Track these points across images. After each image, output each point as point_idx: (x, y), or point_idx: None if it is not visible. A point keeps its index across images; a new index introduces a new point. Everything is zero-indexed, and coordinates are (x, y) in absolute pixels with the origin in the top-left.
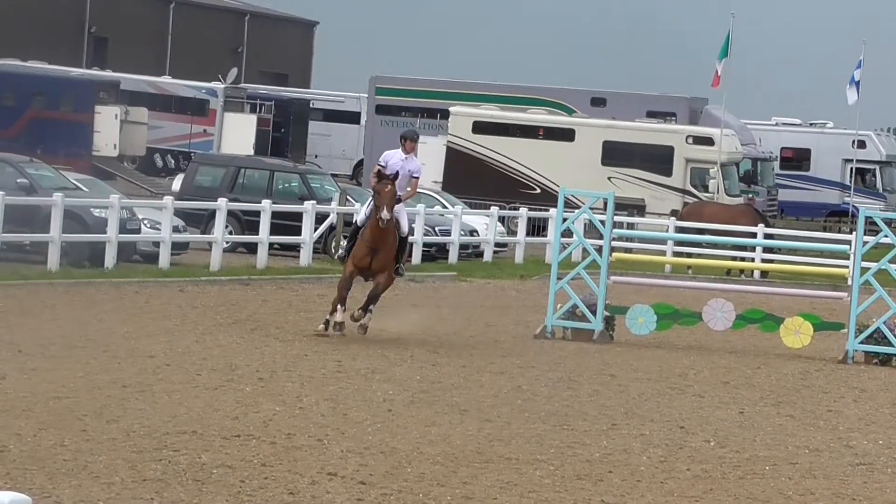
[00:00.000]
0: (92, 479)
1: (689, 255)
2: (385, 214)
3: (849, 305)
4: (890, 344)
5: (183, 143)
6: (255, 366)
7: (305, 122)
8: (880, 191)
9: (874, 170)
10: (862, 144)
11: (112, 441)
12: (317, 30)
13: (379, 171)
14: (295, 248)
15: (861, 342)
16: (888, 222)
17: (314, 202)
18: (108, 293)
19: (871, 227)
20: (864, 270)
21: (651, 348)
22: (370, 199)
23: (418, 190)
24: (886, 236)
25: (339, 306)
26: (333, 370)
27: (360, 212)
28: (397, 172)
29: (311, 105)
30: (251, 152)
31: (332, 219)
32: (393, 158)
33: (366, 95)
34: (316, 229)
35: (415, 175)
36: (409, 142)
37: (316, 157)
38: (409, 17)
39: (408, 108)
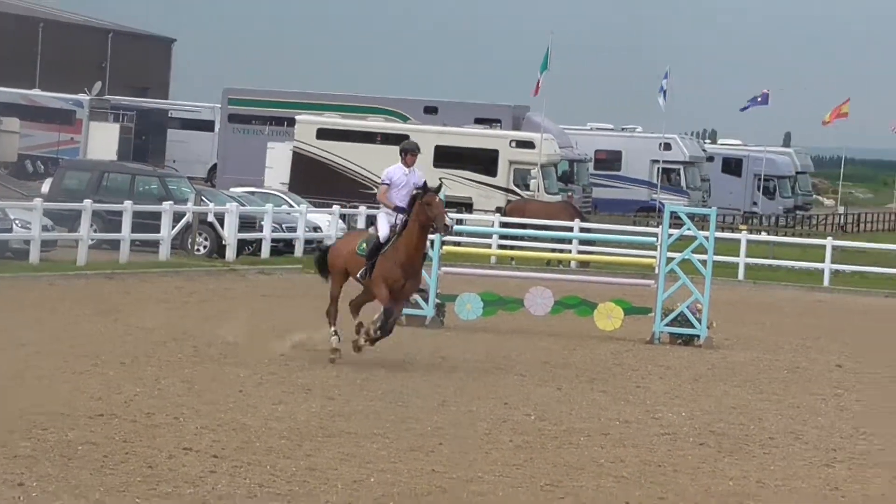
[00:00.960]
0: None
1: (513, 248)
2: (448, 221)
3: (655, 292)
4: (692, 326)
5: (52, 150)
6: (118, 352)
7: (164, 131)
8: (684, 188)
9: (679, 169)
10: (668, 147)
11: None
12: (174, 46)
13: (424, 184)
14: (154, 245)
15: (666, 325)
16: (691, 217)
17: (172, 202)
18: None
19: (676, 221)
20: (669, 260)
21: (478, 332)
22: (382, 213)
23: (268, 191)
24: (689, 229)
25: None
26: (190, 355)
27: (381, 228)
28: (425, 183)
29: (169, 115)
30: (114, 158)
31: (188, 217)
32: (397, 174)
33: (219, 106)
34: (173, 227)
35: (418, 187)
36: (409, 155)
37: (174, 161)
38: (259, 34)
39: (258, 117)
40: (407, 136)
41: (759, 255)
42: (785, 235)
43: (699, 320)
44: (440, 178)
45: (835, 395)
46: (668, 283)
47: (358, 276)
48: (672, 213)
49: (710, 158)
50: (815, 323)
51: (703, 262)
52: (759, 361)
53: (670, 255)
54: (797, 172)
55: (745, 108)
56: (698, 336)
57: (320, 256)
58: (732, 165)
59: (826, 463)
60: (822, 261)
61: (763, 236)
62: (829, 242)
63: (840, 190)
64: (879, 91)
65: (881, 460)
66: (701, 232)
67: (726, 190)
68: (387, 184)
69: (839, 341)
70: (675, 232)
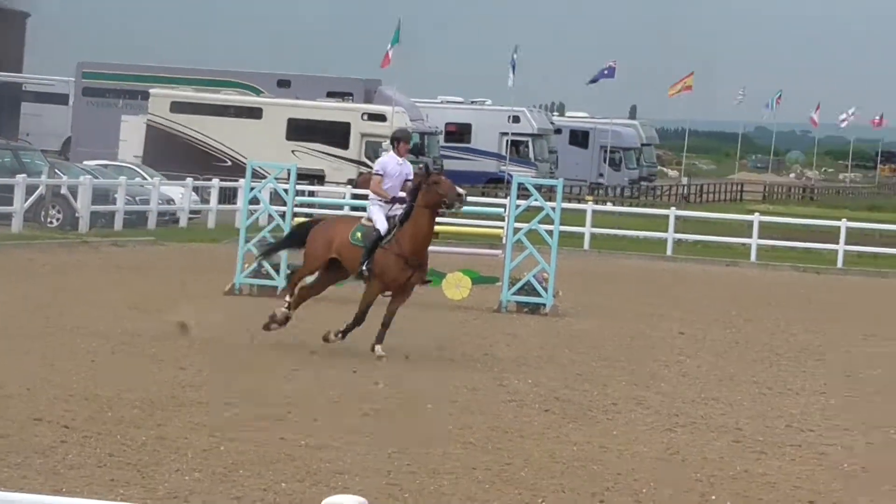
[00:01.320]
0: None
1: None
2: (460, 190)
3: (503, 261)
4: (538, 295)
5: None
6: None
7: (18, 104)
8: (532, 160)
9: (527, 142)
10: (517, 119)
11: None
12: (28, 21)
13: (426, 166)
14: (7, 217)
15: (513, 294)
16: (538, 188)
17: (25, 175)
18: None
19: (524, 193)
20: (516, 230)
21: (330, 302)
22: (375, 206)
23: (122, 164)
24: (536, 200)
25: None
26: (42, 326)
27: (378, 221)
28: (426, 164)
29: (23, 88)
30: None
31: (41, 190)
32: (391, 164)
33: (74, 79)
34: (26, 200)
35: (409, 178)
36: (402, 143)
37: (28, 135)
38: (114, 8)
39: (112, 91)
40: (260, 109)
41: (605, 226)
42: (630, 206)
43: (545, 289)
44: (293, 151)
45: (677, 361)
46: (516, 253)
47: (360, 270)
48: (520, 184)
49: (558, 131)
50: (658, 291)
51: (550, 233)
52: (604, 329)
53: (518, 225)
54: (642, 144)
55: (593, 81)
56: (544, 305)
57: (292, 235)
58: (579, 137)
59: (668, 428)
60: (666, 230)
61: (608, 207)
62: (672, 213)
63: (684, 161)
64: (723, 65)
65: (721, 424)
66: (548, 203)
67: (573, 161)
68: (380, 174)
69: (681, 309)
70: (523, 203)
